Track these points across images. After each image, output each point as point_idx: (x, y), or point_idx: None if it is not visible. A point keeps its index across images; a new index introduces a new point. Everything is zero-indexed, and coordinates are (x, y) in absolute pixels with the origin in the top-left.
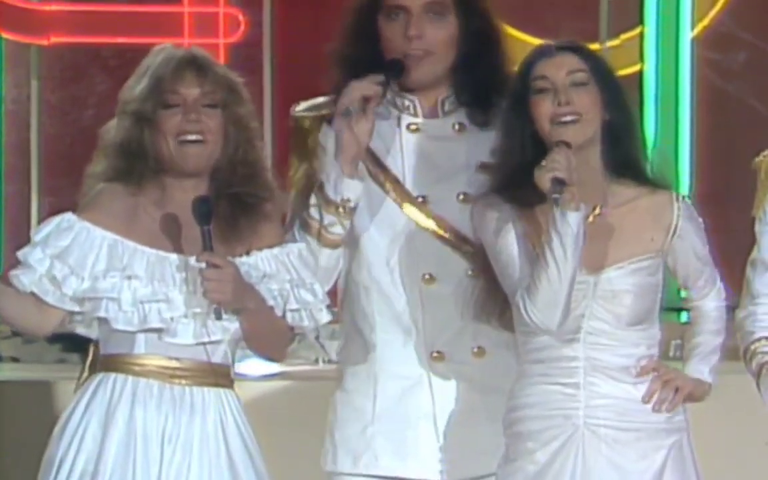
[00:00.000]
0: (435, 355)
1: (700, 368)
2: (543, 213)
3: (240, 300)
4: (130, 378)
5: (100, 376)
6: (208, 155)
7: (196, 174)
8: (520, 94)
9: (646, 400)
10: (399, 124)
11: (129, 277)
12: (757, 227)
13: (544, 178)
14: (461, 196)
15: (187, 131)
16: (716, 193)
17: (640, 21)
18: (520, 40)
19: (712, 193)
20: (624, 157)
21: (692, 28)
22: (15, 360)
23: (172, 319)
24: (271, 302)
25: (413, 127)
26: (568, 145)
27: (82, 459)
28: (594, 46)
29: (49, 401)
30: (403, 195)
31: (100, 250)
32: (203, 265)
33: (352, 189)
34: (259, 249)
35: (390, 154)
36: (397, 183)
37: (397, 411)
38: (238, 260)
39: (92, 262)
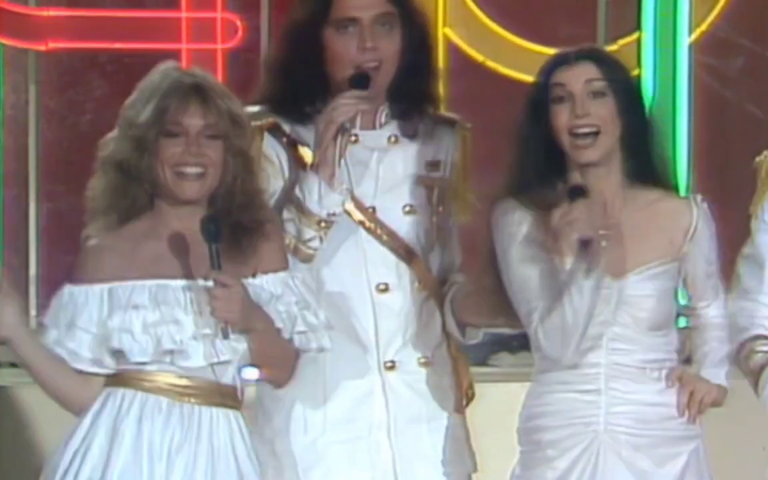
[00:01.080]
0: (388, 364)
1: (717, 372)
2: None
3: (248, 320)
4: (139, 393)
5: (108, 390)
6: (206, 187)
7: (193, 202)
8: (539, 101)
9: (681, 412)
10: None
11: (135, 308)
12: (753, 224)
13: (570, 237)
14: (407, 208)
15: (186, 163)
16: (714, 198)
17: (638, 26)
18: (518, 46)
19: (709, 198)
20: (644, 163)
21: (690, 33)
22: (13, 365)
23: (182, 340)
24: (279, 324)
25: (353, 138)
26: (583, 191)
27: (87, 469)
28: None
29: (48, 406)
30: (353, 205)
31: (102, 302)
32: (211, 283)
33: (337, 202)
34: (264, 272)
35: None
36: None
37: (350, 421)
38: (244, 282)
39: (97, 314)
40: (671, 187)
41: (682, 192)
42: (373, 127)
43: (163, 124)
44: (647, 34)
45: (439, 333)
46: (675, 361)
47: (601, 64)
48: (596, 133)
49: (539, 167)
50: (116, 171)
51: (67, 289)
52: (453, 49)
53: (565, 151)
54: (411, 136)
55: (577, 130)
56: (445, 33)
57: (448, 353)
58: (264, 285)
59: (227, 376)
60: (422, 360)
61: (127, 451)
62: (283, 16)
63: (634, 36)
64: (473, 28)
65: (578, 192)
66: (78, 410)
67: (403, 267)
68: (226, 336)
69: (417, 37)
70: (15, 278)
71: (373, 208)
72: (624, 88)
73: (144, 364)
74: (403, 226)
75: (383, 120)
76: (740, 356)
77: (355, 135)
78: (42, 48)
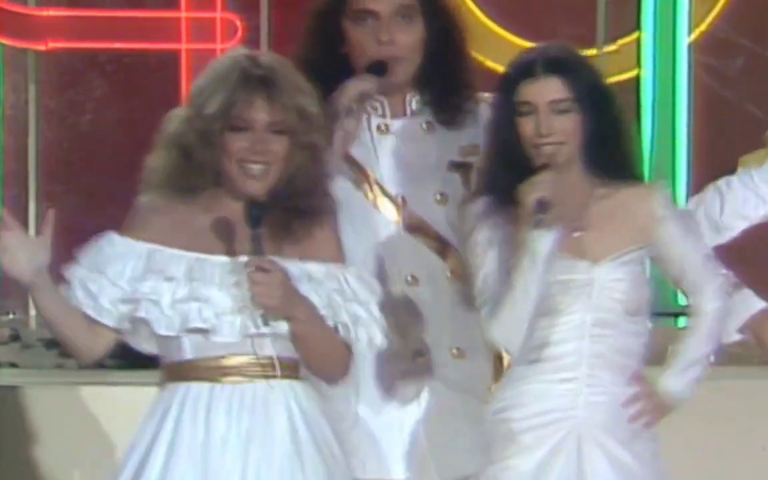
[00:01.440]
0: (418, 357)
1: (675, 381)
2: (519, 231)
3: (288, 307)
4: (182, 384)
5: (160, 390)
6: (269, 184)
7: (254, 198)
8: (506, 111)
9: (625, 404)
10: (369, 126)
11: (167, 279)
12: (739, 172)
13: (528, 197)
14: (438, 196)
15: (251, 160)
16: None
17: (637, 26)
18: (518, 46)
19: None
20: (607, 166)
21: (689, 33)
22: (13, 365)
23: (216, 316)
24: (322, 311)
25: (383, 127)
26: (546, 164)
27: (127, 470)
28: (591, 52)
29: (47, 406)
30: (383, 195)
31: (138, 260)
32: (252, 269)
33: (339, 187)
34: (312, 258)
35: (364, 155)
36: (376, 184)
37: (380, 413)
38: (288, 262)
39: (130, 270)
40: (636, 180)
41: (682, 191)
42: (404, 116)
43: (229, 119)
44: (647, 34)
45: (475, 323)
46: (644, 352)
47: (567, 77)
48: (560, 145)
49: (507, 166)
50: (179, 153)
51: (109, 236)
52: None
53: (531, 158)
54: (447, 123)
55: (541, 146)
56: None
57: (484, 343)
58: (308, 269)
59: (267, 349)
60: (454, 351)
61: (167, 444)
62: (282, 16)
63: (634, 36)
64: (473, 28)
65: (543, 204)
66: (85, 359)
67: (435, 258)
68: (266, 323)
69: (441, 25)
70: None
71: (403, 198)
72: (590, 99)
73: (183, 354)
74: (435, 215)
75: (414, 107)
76: None
77: (385, 124)
78: (42, 48)
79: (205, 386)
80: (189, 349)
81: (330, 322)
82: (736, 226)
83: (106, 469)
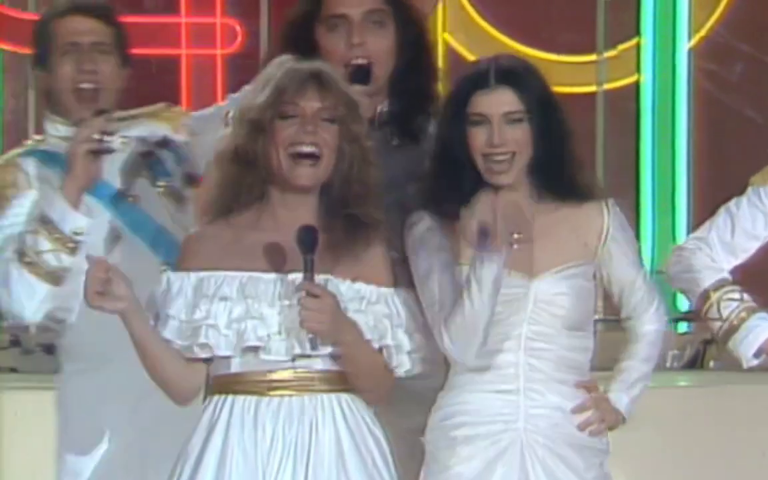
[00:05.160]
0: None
1: (621, 397)
2: (462, 230)
3: (336, 332)
4: (229, 397)
5: (207, 399)
6: (320, 175)
7: (305, 191)
8: (456, 120)
9: (575, 411)
10: None
11: (222, 299)
12: (749, 191)
13: (470, 226)
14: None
15: (302, 142)
16: (714, 203)
17: (637, 32)
18: (519, 52)
19: (709, 203)
20: (556, 177)
21: (689, 38)
22: (13, 370)
23: (268, 336)
24: (368, 336)
25: None
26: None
27: (176, 475)
28: (591, 57)
29: (47, 410)
30: None
31: (188, 290)
32: (303, 293)
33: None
34: (367, 281)
35: None
36: None
37: None
38: (341, 282)
39: (185, 302)
40: (584, 194)
41: (682, 197)
42: (372, 128)
43: (279, 106)
44: (646, 40)
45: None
46: (589, 365)
47: (519, 88)
48: (512, 155)
49: (454, 183)
50: (231, 161)
51: (165, 277)
52: (453, 55)
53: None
54: (410, 137)
55: (493, 157)
56: (445, 38)
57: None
58: (360, 291)
59: (316, 364)
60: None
61: (216, 456)
62: (281, 23)
63: (634, 41)
64: (473, 34)
65: (485, 232)
66: (183, 398)
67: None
68: (314, 347)
69: (412, 34)
70: None
71: None
72: (541, 111)
73: (231, 367)
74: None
75: (383, 119)
76: (706, 303)
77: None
78: None
79: (252, 399)
80: (237, 363)
81: (376, 345)
82: (749, 247)
83: None
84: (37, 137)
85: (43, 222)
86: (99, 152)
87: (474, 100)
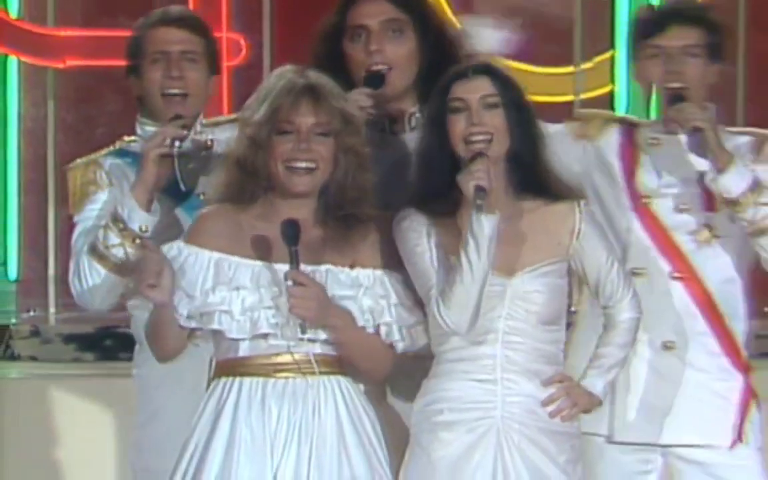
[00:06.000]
0: None
1: (596, 382)
2: (455, 223)
3: (324, 317)
4: (237, 379)
5: (214, 382)
6: (316, 182)
7: (304, 196)
8: (438, 113)
9: (545, 403)
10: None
11: (237, 289)
12: None
13: (467, 185)
14: None
15: (297, 159)
16: None
17: (612, 45)
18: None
19: None
20: (529, 175)
21: None
22: (33, 359)
23: (277, 323)
24: (361, 322)
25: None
26: (482, 154)
27: (186, 458)
28: (569, 69)
29: (66, 396)
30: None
31: (207, 271)
32: (290, 282)
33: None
34: (363, 266)
35: None
36: None
37: None
38: (341, 271)
39: (201, 282)
40: (556, 195)
41: None
42: (403, 131)
43: (276, 123)
44: (621, 52)
45: None
46: (563, 358)
47: (495, 80)
48: (489, 141)
49: (438, 177)
50: (235, 167)
51: (177, 245)
52: None
53: (460, 160)
54: None
55: (473, 137)
56: None
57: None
58: (358, 277)
59: (316, 348)
60: None
61: (225, 434)
62: (283, 36)
63: (608, 54)
64: None
65: (478, 155)
66: (168, 358)
67: None
68: (303, 331)
69: (433, 41)
70: (35, 278)
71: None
72: (515, 103)
73: (238, 351)
74: None
75: (413, 124)
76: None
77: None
78: (59, 65)
79: (259, 382)
80: (245, 347)
81: (370, 328)
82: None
83: (124, 456)
84: (128, 138)
85: (114, 218)
86: (169, 156)
87: (453, 88)
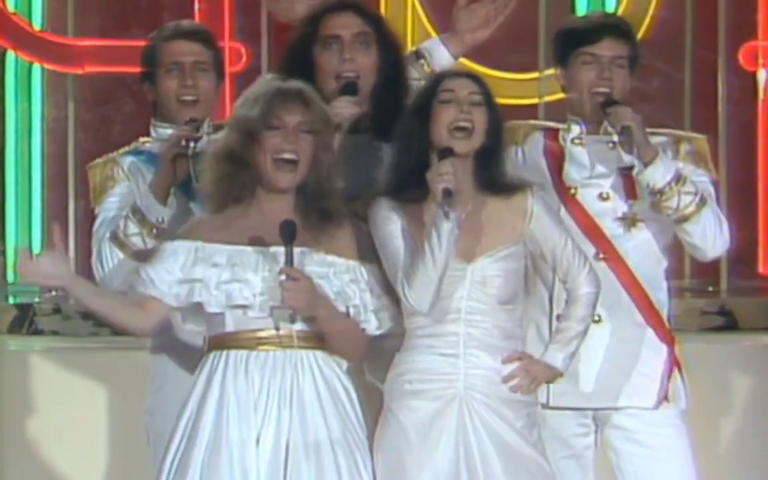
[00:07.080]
0: None
1: (556, 356)
2: (422, 210)
3: (312, 308)
4: (224, 352)
5: (206, 356)
6: (298, 177)
7: (285, 191)
8: (425, 104)
9: (505, 380)
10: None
11: (213, 266)
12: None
13: (436, 186)
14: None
15: (284, 150)
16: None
17: None
18: (472, 70)
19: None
20: (491, 174)
21: None
22: (55, 333)
23: (254, 295)
24: (341, 308)
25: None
26: (452, 152)
27: (183, 420)
28: (533, 75)
29: (85, 367)
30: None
31: (188, 254)
32: (284, 277)
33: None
34: (336, 253)
35: None
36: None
37: None
38: (317, 254)
39: (182, 262)
40: (513, 188)
41: None
42: (357, 132)
43: (268, 119)
44: None
45: None
46: (520, 330)
47: (479, 84)
48: (472, 128)
49: (414, 167)
50: (226, 160)
51: (165, 243)
52: None
53: (436, 150)
54: (387, 139)
55: (457, 123)
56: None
57: None
58: (332, 262)
59: (288, 326)
60: None
61: (215, 402)
62: (281, 45)
63: None
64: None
65: (447, 152)
66: (138, 333)
67: None
68: (293, 321)
69: (392, 55)
70: None
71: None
72: (493, 106)
73: (225, 327)
74: None
75: (365, 125)
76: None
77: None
78: (79, 71)
79: (243, 354)
80: (230, 323)
81: (343, 306)
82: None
83: (139, 420)
84: (143, 139)
85: (134, 211)
86: (185, 156)
87: (444, 83)
